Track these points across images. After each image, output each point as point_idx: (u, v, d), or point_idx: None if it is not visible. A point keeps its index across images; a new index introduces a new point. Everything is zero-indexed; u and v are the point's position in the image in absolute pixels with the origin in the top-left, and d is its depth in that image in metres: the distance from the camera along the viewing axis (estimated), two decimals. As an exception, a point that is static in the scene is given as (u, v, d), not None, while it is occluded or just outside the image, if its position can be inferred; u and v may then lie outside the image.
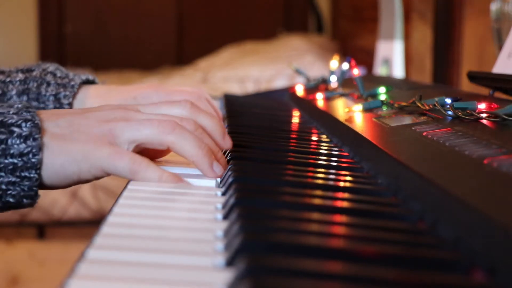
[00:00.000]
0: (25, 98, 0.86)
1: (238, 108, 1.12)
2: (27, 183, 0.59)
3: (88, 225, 2.19)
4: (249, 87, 2.47)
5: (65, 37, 3.54)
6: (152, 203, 0.53)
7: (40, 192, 0.61)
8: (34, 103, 0.86)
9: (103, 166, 0.59)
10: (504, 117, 0.62)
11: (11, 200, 0.59)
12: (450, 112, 0.69)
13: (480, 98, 0.79)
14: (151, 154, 0.65)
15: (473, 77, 0.91)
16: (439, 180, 0.48)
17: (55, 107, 0.86)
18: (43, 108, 0.86)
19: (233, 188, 0.55)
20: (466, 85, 1.34)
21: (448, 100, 0.72)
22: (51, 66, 0.89)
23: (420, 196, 0.50)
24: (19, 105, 0.61)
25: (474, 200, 0.43)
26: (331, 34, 3.35)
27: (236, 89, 2.42)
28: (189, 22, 3.59)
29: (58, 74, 0.87)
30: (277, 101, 1.32)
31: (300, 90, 1.27)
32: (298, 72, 1.39)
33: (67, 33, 3.54)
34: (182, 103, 0.66)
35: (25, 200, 0.60)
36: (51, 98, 0.86)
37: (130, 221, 0.48)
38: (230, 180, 0.57)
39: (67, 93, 0.86)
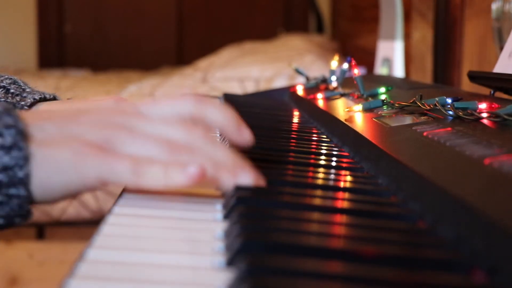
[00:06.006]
0: None
1: (238, 108, 1.12)
2: (16, 201, 0.49)
3: (88, 225, 2.19)
4: (249, 87, 2.47)
5: (64, 37, 3.54)
6: (152, 203, 0.53)
7: None
8: None
9: (98, 173, 0.49)
10: (505, 117, 0.62)
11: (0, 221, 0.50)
12: (450, 112, 0.69)
13: (480, 98, 0.78)
14: None
15: (474, 77, 0.91)
16: (439, 180, 0.48)
17: None
18: None
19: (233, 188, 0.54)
20: (466, 85, 1.34)
21: (449, 100, 0.72)
22: (6, 79, 0.75)
23: (420, 196, 0.50)
24: None
25: (474, 200, 0.42)
26: (331, 34, 3.35)
27: (236, 89, 2.42)
28: (189, 22, 3.59)
29: (12, 90, 0.74)
30: (277, 101, 1.31)
31: (300, 90, 1.27)
32: (298, 72, 1.39)
33: (66, 33, 3.54)
34: (184, 100, 0.57)
35: (16, 220, 0.50)
36: None
37: (130, 221, 0.48)
38: (230, 180, 0.57)
39: None
